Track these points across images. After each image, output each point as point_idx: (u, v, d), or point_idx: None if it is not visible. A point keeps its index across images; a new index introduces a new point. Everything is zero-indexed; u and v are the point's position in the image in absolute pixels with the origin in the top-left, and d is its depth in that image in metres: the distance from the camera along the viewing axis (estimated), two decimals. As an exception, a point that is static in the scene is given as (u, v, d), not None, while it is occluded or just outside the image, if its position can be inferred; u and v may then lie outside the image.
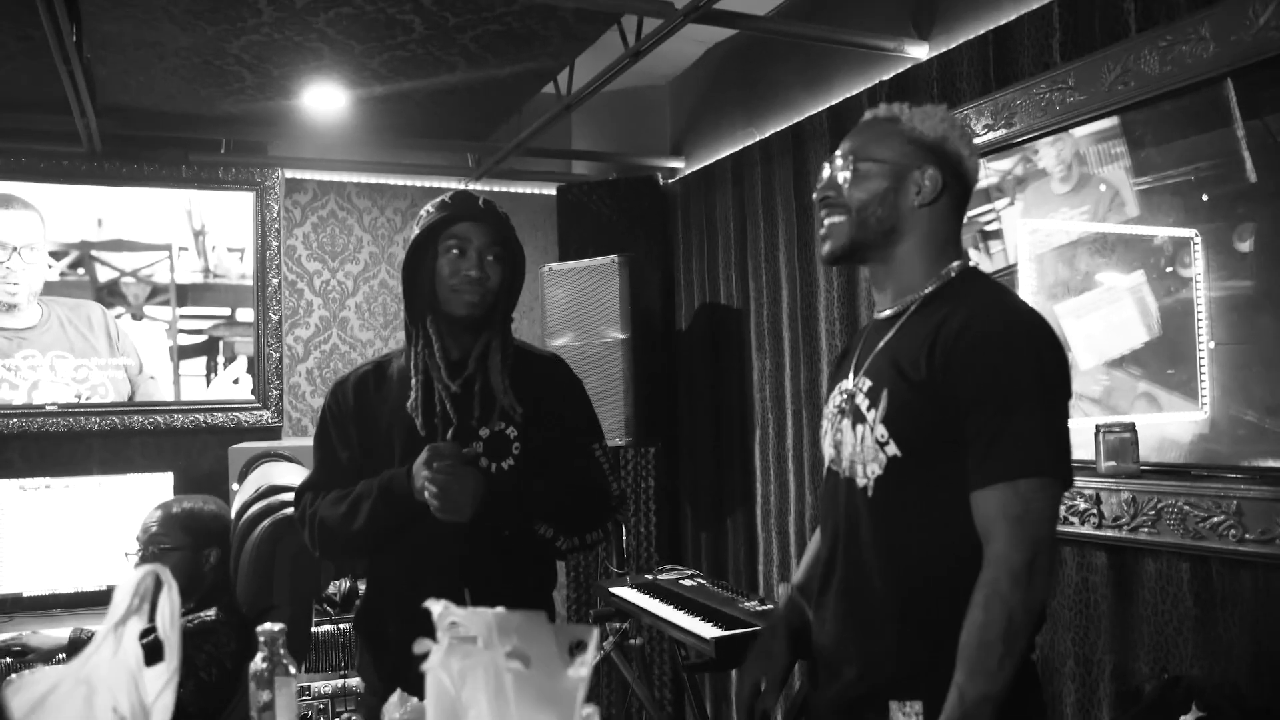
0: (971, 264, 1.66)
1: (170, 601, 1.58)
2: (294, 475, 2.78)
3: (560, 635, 1.35)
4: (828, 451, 1.68)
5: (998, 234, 2.97)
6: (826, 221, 1.63)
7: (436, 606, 1.36)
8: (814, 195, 1.67)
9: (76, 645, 2.48)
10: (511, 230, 2.04)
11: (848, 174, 1.60)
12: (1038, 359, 1.47)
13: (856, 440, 1.57)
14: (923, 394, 1.49)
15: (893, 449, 1.51)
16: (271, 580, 2.33)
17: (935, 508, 1.49)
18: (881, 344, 1.60)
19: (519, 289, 2.06)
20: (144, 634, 1.64)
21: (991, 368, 1.45)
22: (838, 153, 1.64)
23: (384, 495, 1.88)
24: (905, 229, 1.59)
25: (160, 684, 1.54)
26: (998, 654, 1.37)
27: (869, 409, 1.55)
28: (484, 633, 1.30)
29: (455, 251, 1.96)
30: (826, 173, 1.65)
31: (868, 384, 1.58)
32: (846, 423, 1.61)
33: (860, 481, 1.56)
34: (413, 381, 1.98)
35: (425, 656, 1.35)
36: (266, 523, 2.36)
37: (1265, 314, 2.26)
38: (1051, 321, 2.77)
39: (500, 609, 1.35)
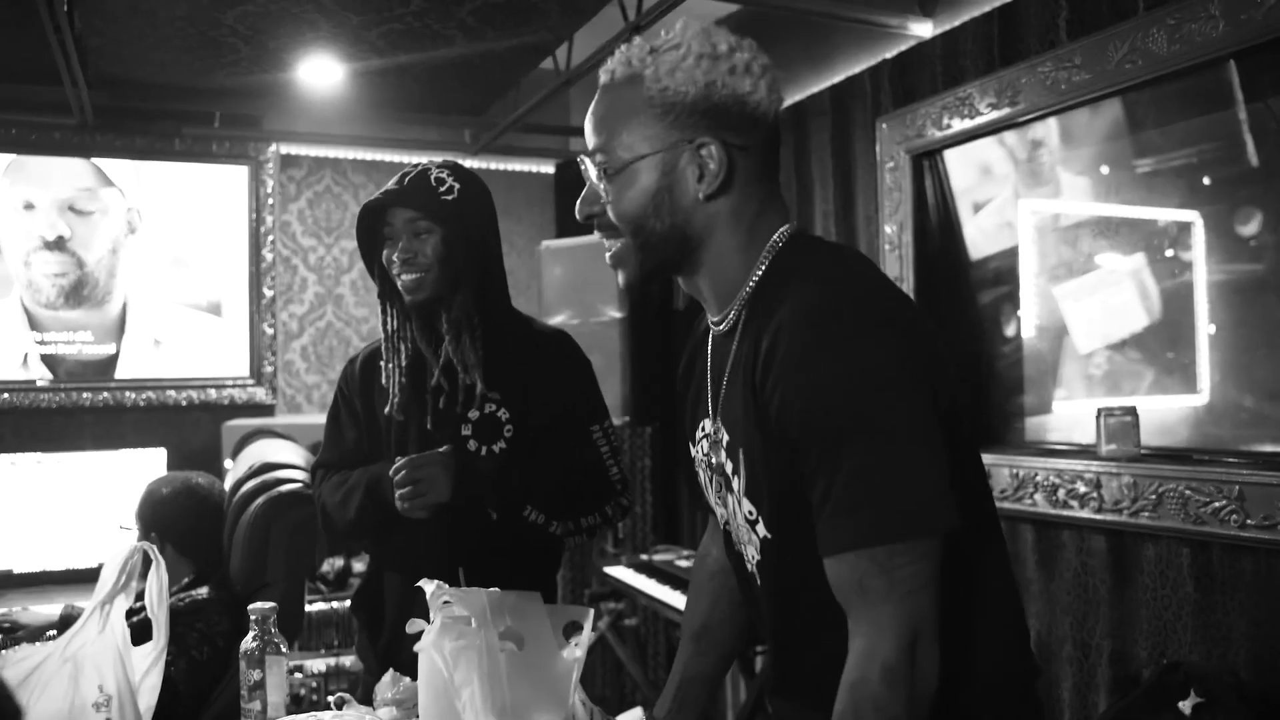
0: (794, 230, 1.21)
1: (159, 579, 1.56)
2: (288, 453, 2.75)
3: (555, 616, 1.34)
4: (718, 511, 1.31)
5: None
6: (609, 245, 1.24)
7: (429, 586, 1.34)
8: (577, 213, 1.26)
9: (67, 622, 2.45)
10: (437, 197, 1.82)
11: (604, 182, 1.19)
12: (869, 361, 1.04)
13: (729, 514, 1.24)
14: (770, 444, 1.11)
15: (762, 529, 1.16)
16: (266, 558, 2.30)
17: (821, 593, 1.09)
18: (729, 370, 1.20)
19: (470, 257, 1.85)
20: (134, 612, 1.63)
21: (811, 390, 1.05)
22: (588, 145, 1.21)
23: (370, 493, 1.86)
24: (702, 227, 1.18)
25: (148, 662, 1.53)
26: None
27: (734, 474, 1.19)
28: (478, 613, 1.28)
29: (388, 238, 1.86)
30: (584, 168, 1.24)
31: (726, 436, 1.20)
32: (716, 486, 1.26)
33: (748, 564, 1.24)
34: (392, 370, 1.91)
35: (418, 637, 1.34)
36: (261, 500, 2.34)
37: (1267, 298, 2.23)
38: (1050, 304, 2.81)
39: (495, 589, 1.33)
